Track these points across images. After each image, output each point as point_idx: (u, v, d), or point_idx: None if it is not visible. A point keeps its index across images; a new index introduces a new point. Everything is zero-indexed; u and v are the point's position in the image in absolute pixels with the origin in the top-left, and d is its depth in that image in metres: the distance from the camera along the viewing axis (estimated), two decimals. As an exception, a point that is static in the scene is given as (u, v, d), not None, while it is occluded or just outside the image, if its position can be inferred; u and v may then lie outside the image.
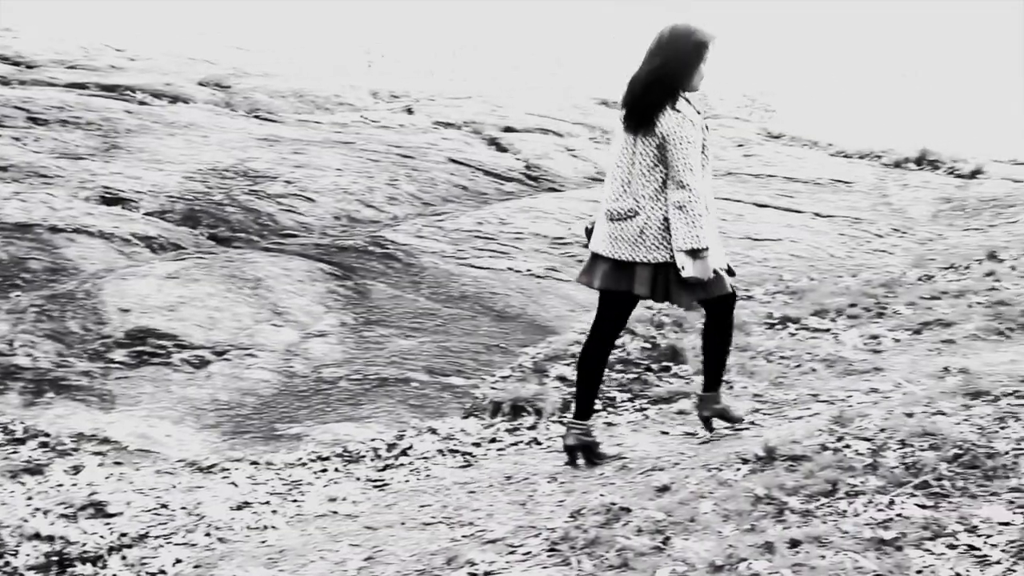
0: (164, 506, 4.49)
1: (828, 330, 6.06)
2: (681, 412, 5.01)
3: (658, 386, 5.41)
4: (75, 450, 5.27)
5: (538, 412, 5.22)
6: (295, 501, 4.50)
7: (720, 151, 11.00)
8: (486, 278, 7.72)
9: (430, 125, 11.95)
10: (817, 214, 9.33)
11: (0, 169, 9.23)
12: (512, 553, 3.63)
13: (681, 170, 4.07)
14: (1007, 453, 3.62)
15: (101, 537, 4.19)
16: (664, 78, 4.11)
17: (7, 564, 4.02)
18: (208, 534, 4.20)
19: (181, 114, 11.31)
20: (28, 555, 4.06)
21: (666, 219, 4.12)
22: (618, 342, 5.38)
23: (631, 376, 5.53)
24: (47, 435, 5.41)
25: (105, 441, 5.38)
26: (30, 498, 4.59)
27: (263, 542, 4.11)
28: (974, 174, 10.54)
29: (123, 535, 4.21)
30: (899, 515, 3.35)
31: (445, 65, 18.93)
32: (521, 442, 4.96)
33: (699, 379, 5.42)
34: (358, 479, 4.73)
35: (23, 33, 14.50)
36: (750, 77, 17.57)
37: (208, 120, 11.20)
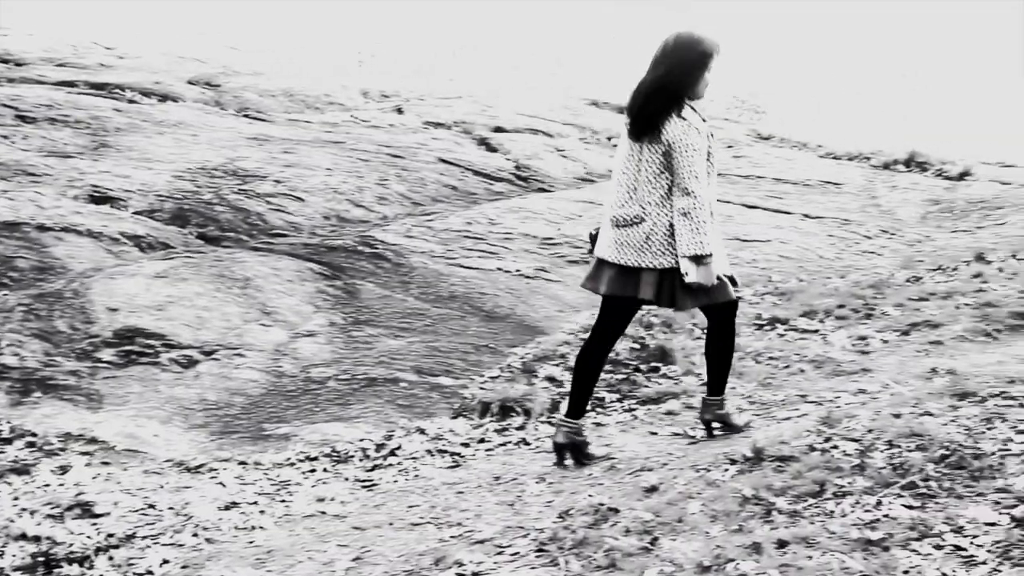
0: (152, 506, 4.48)
1: (817, 331, 6.08)
2: (670, 413, 5.02)
3: (647, 387, 5.42)
4: (62, 450, 5.26)
5: (527, 412, 5.22)
6: (283, 501, 4.49)
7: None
8: (475, 278, 7.72)
9: (420, 125, 11.94)
10: (806, 215, 9.35)
11: (-12, 167, 9.20)
12: (500, 553, 3.63)
13: (687, 177, 4.12)
14: (994, 454, 3.63)
15: (88, 538, 4.17)
16: (669, 86, 4.15)
17: (-7, 564, 4.00)
18: (196, 534, 4.19)
19: (170, 113, 11.29)
20: (14, 556, 4.04)
21: (672, 225, 4.17)
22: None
23: (620, 377, 5.54)
24: (34, 435, 5.39)
25: (92, 441, 5.37)
26: (16, 498, 4.58)
27: (251, 542, 4.10)
28: (962, 176, 10.58)
29: (110, 535, 4.20)
30: (886, 516, 3.36)
31: (445, 65, 18.95)
32: (510, 442, 4.96)
33: (688, 380, 5.44)
34: (346, 479, 4.72)
35: (12, 31, 14.45)
36: (740, 78, 17.61)
37: (198, 119, 11.18)
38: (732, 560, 3.22)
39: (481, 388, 5.61)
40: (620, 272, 4.25)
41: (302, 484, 4.68)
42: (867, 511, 3.40)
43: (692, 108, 4.23)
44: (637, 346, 5.78)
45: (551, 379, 5.56)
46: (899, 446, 3.75)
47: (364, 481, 4.68)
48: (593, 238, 4.42)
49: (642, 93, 4.20)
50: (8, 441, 5.35)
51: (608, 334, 4.38)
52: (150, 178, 9.24)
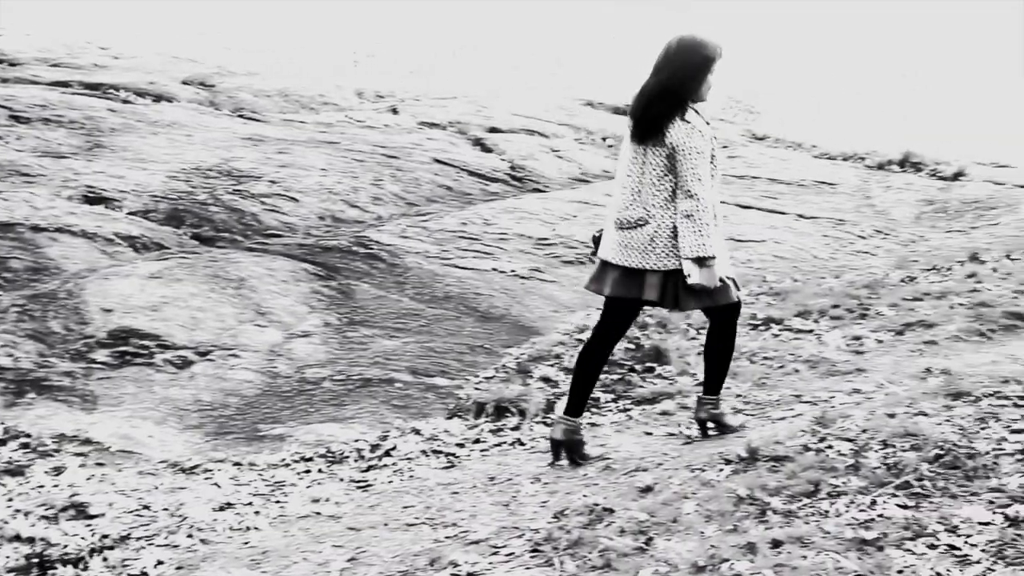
0: (146, 507, 4.48)
1: (811, 331, 6.09)
2: (664, 413, 5.02)
3: (642, 387, 5.42)
4: (57, 451, 5.25)
5: (522, 413, 5.22)
6: (278, 502, 4.49)
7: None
8: (470, 279, 7.72)
9: (415, 125, 11.94)
10: (801, 215, 9.37)
11: (-18, 168, 9.19)
12: (495, 554, 3.63)
13: (690, 180, 4.14)
14: (988, 453, 3.64)
15: (82, 539, 4.17)
16: (672, 90, 4.18)
17: (-13, 566, 4.00)
18: (190, 535, 4.19)
19: (165, 113, 11.27)
20: (8, 557, 4.04)
21: (675, 227, 4.18)
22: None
23: (615, 377, 5.54)
24: (28, 436, 5.38)
25: (87, 442, 5.36)
26: (11, 499, 4.57)
27: (246, 543, 4.10)
28: (957, 176, 10.60)
29: (105, 536, 4.19)
30: (880, 515, 3.36)
31: (444, 65, 18.95)
32: (505, 443, 4.96)
33: (684, 380, 5.44)
34: (341, 480, 4.72)
35: (7, 30, 14.42)
36: (735, 78, 17.62)
37: (192, 119, 11.17)
38: (727, 560, 3.22)
39: (476, 388, 5.61)
40: (624, 274, 4.28)
41: (297, 485, 4.68)
42: (862, 511, 3.40)
43: (695, 111, 4.25)
44: (632, 346, 5.78)
45: (546, 379, 5.56)
46: (893, 446, 3.75)
47: (359, 482, 4.68)
48: (596, 240, 4.45)
49: (645, 96, 4.22)
50: (2, 442, 5.33)
51: (610, 335, 4.41)
52: (144, 178, 9.22)
